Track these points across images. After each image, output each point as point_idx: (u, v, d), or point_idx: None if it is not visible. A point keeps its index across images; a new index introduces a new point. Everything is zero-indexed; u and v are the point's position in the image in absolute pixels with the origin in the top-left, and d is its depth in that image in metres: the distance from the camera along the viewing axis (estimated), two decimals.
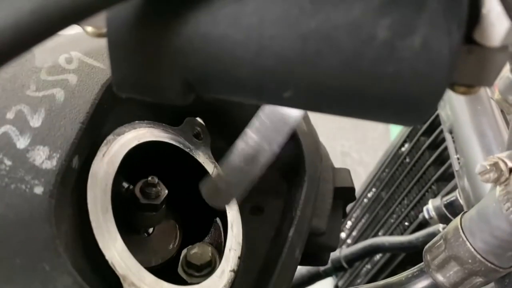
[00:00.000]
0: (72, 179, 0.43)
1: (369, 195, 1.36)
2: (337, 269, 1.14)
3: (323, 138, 0.71)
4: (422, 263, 0.57)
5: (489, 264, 0.49)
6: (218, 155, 0.60)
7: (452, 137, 0.80)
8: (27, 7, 0.21)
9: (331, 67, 0.28)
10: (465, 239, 0.50)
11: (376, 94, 0.29)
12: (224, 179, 0.42)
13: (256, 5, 0.27)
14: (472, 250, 0.50)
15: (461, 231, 0.51)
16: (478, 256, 0.49)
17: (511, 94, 0.40)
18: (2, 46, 0.21)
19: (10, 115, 0.42)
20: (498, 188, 0.48)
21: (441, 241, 0.54)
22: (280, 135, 0.41)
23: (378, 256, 1.17)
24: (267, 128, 0.40)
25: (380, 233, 1.23)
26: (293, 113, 0.40)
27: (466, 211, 0.54)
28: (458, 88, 0.34)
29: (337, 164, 0.73)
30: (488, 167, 0.47)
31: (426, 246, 0.56)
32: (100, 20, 0.29)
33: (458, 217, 0.53)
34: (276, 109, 0.39)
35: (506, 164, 0.46)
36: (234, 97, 0.32)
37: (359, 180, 1.48)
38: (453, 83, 0.34)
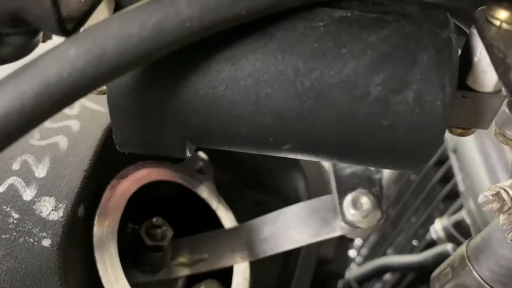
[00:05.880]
0: (79, 228, 0.43)
1: None
2: None
3: None
4: None
5: None
6: (222, 189, 0.60)
7: (457, 157, 0.80)
8: (30, 92, 0.22)
9: (328, 123, 0.28)
10: (471, 267, 0.50)
11: (373, 146, 0.29)
12: None
13: (252, 68, 0.27)
14: (479, 278, 0.49)
15: (467, 259, 0.51)
16: (485, 284, 0.49)
17: (508, 128, 0.40)
18: (10, 128, 0.22)
19: (15, 166, 0.43)
20: (502, 217, 0.47)
21: (448, 268, 0.54)
22: None
23: (388, 275, 1.17)
24: None
25: (389, 251, 1.22)
26: None
27: (472, 238, 0.53)
28: (455, 131, 0.35)
29: None
30: (490, 197, 0.46)
31: (433, 274, 0.56)
32: None
33: (464, 245, 0.53)
34: None
35: (508, 193, 0.46)
36: (234, 149, 0.33)
37: None
38: (450, 126, 0.34)
